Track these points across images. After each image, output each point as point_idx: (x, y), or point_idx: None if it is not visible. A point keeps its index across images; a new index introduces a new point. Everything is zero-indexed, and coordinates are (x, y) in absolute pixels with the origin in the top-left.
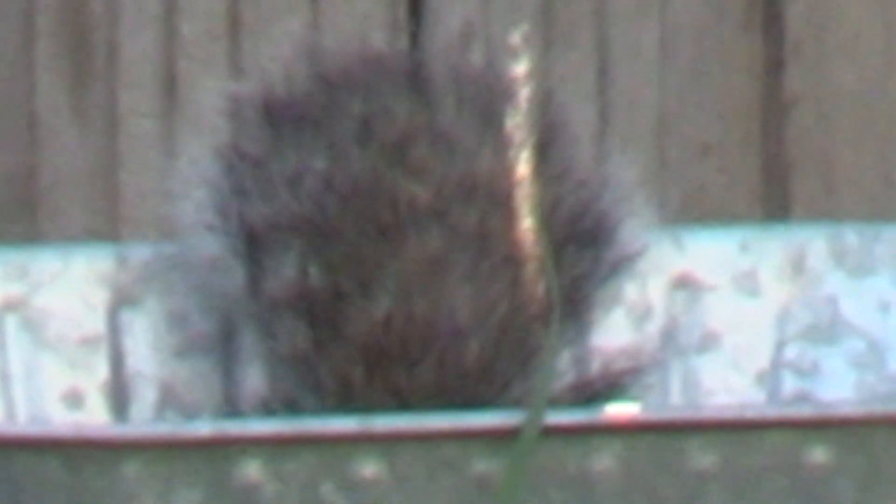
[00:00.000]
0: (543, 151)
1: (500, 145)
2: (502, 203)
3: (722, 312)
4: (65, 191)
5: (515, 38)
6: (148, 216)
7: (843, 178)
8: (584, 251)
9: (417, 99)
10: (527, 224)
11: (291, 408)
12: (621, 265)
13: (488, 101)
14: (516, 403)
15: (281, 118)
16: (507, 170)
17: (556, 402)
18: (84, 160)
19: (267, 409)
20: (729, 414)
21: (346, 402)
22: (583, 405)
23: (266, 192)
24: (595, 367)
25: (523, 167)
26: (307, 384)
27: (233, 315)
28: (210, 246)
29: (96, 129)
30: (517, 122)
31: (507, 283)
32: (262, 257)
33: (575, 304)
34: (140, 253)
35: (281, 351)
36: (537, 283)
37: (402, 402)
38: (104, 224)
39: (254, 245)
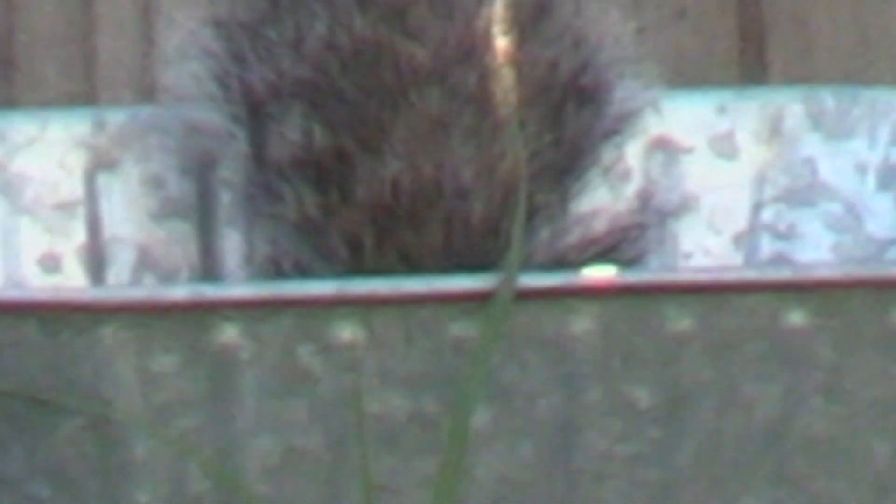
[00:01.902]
0: (540, 13)
1: (498, 6)
2: (501, 63)
3: (699, 175)
4: (41, 55)
5: None
6: (125, 80)
7: (819, 41)
8: (583, 108)
9: None
10: (519, 85)
11: (301, 273)
12: (621, 122)
13: None
14: (524, 261)
15: None
16: (504, 30)
17: (534, 265)
18: (61, 23)
19: (277, 269)
20: (706, 276)
21: (356, 266)
22: (562, 267)
23: (266, 57)
24: (573, 228)
25: (520, 28)
26: (317, 249)
27: (215, 177)
28: (202, 109)
29: None
30: None
31: (506, 143)
32: (265, 122)
33: (575, 160)
34: (117, 117)
35: (289, 216)
36: (538, 141)
37: (411, 264)
38: (81, 88)
39: (256, 111)
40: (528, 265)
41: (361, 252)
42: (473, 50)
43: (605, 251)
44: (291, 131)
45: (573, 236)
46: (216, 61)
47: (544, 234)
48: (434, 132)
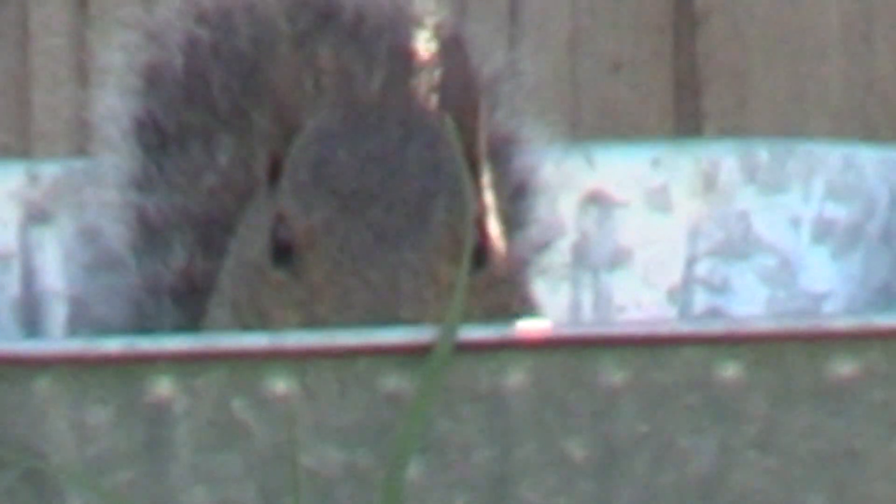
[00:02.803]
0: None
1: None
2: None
3: (633, 228)
4: None
5: None
6: (60, 133)
7: (754, 94)
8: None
9: (330, 67)
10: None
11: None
12: (523, 184)
13: (399, 60)
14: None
15: (196, 82)
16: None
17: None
18: None
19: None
20: (640, 330)
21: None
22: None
23: (167, 185)
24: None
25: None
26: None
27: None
28: (126, 160)
29: (8, 45)
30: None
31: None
32: (156, 249)
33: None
34: (51, 169)
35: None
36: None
37: None
38: (16, 140)
39: (150, 236)
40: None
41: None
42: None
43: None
44: (175, 261)
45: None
46: (124, 177)
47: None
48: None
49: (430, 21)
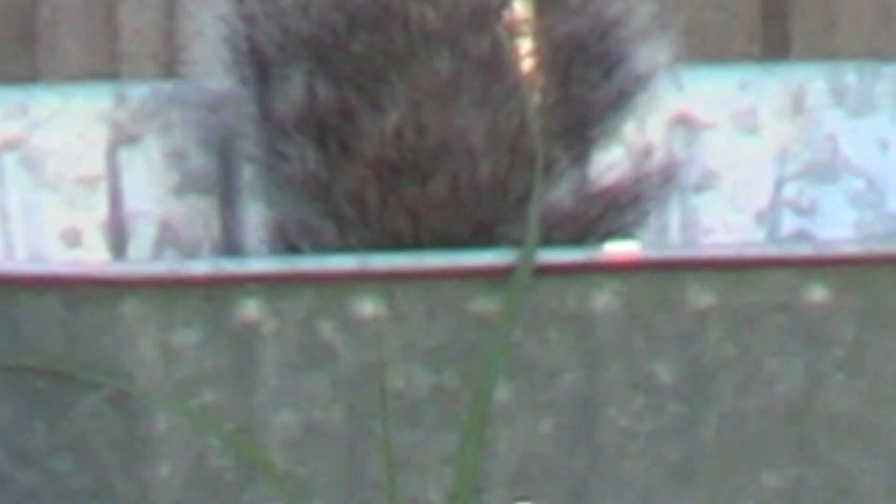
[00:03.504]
0: None
1: None
2: (513, 30)
3: (721, 150)
4: (64, 29)
5: None
6: (147, 54)
7: (842, 16)
8: (591, 70)
9: None
10: (534, 48)
11: (306, 233)
12: (630, 88)
13: None
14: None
15: None
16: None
17: (554, 233)
18: None
19: (282, 235)
20: (728, 252)
21: (360, 224)
22: (581, 236)
23: (274, 16)
24: (597, 190)
25: None
26: (322, 208)
27: (239, 150)
28: (215, 81)
29: None
30: None
31: (517, 106)
32: (271, 82)
33: (583, 124)
34: (139, 91)
35: (293, 175)
36: (547, 105)
37: (418, 221)
38: (104, 62)
39: (263, 71)
40: (547, 235)
41: (366, 209)
42: (487, 15)
43: (603, 210)
44: (295, 89)
45: (572, 196)
46: (227, 24)
47: (553, 194)
48: (442, 93)
49: None
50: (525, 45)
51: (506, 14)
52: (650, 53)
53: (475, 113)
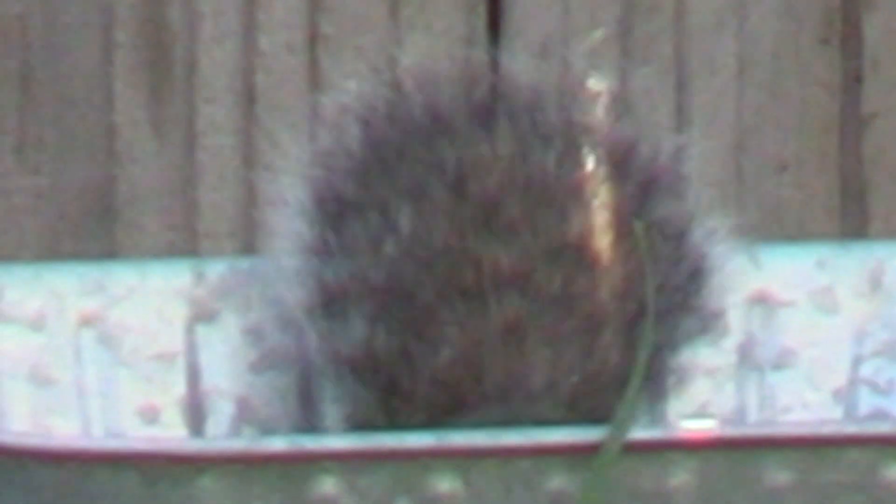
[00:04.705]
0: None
1: (591, 198)
2: (588, 265)
3: (799, 329)
4: (143, 205)
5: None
6: (225, 231)
7: None
8: (663, 321)
9: (506, 142)
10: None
11: None
12: (699, 334)
13: (573, 135)
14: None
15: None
16: (597, 230)
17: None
18: (162, 174)
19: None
20: (805, 430)
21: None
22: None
23: (345, 251)
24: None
25: (613, 225)
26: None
27: (313, 332)
28: (297, 256)
29: (175, 143)
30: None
31: (584, 348)
32: (332, 320)
33: (653, 372)
34: (217, 268)
35: (347, 411)
36: (614, 349)
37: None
38: (182, 239)
39: (327, 307)
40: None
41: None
42: (562, 250)
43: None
44: (356, 330)
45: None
46: (301, 243)
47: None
48: (505, 332)
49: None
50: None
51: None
52: (714, 297)
53: (540, 354)
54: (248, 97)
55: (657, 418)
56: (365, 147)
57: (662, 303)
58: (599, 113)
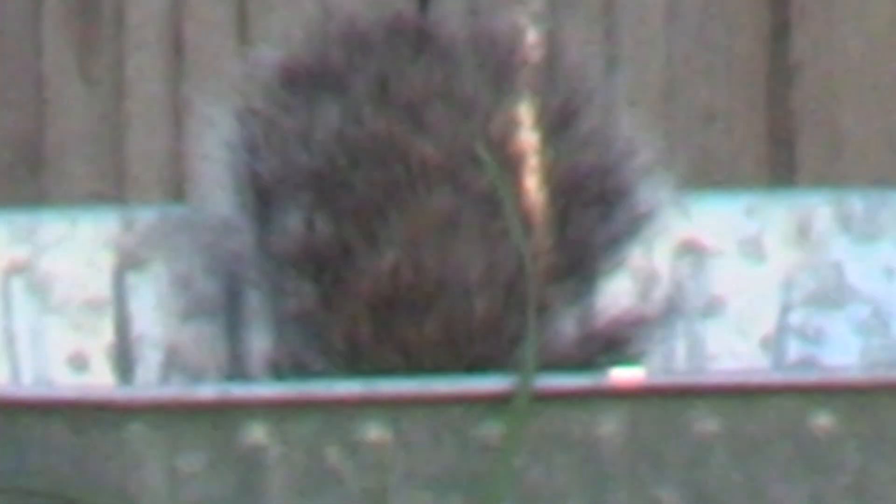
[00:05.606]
0: (568, 116)
1: (515, 108)
2: (513, 165)
3: (727, 277)
4: (71, 153)
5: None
6: (154, 179)
7: (848, 144)
8: (593, 208)
9: (433, 60)
10: (535, 185)
11: (299, 368)
12: (632, 226)
13: (504, 62)
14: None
15: (296, 79)
16: (520, 132)
17: (560, 361)
18: (91, 123)
19: (275, 369)
20: (734, 379)
21: (354, 361)
22: (587, 363)
23: (277, 147)
24: (600, 326)
25: (545, 130)
26: (315, 343)
27: (239, 276)
28: (220, 205)
29: (103, 92)
30: (534, 86)
31: (514, 242)
32: (270, 213)
33: (580, 261)
34: (146, 216)
35: (288, 309)
36: (546, 244)
37: (410, 360)
38: (111, 187)
39: (263, 201)
40: (543, 364)
41: (359, 346)
42: (490, 148)
43: (606, 346)
44: (294, 222)
45: (599, 332)
46: (232, 152)
47: (550, 332)
48: (440, 228)
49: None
50: (530, 179)
51: (510, 144)
52: (654, 190)
53: (472, 250)
54: (177, 46)
55: (583, 317)
56: (290, 61)
57: (593, 208)
58: (527, 51)
